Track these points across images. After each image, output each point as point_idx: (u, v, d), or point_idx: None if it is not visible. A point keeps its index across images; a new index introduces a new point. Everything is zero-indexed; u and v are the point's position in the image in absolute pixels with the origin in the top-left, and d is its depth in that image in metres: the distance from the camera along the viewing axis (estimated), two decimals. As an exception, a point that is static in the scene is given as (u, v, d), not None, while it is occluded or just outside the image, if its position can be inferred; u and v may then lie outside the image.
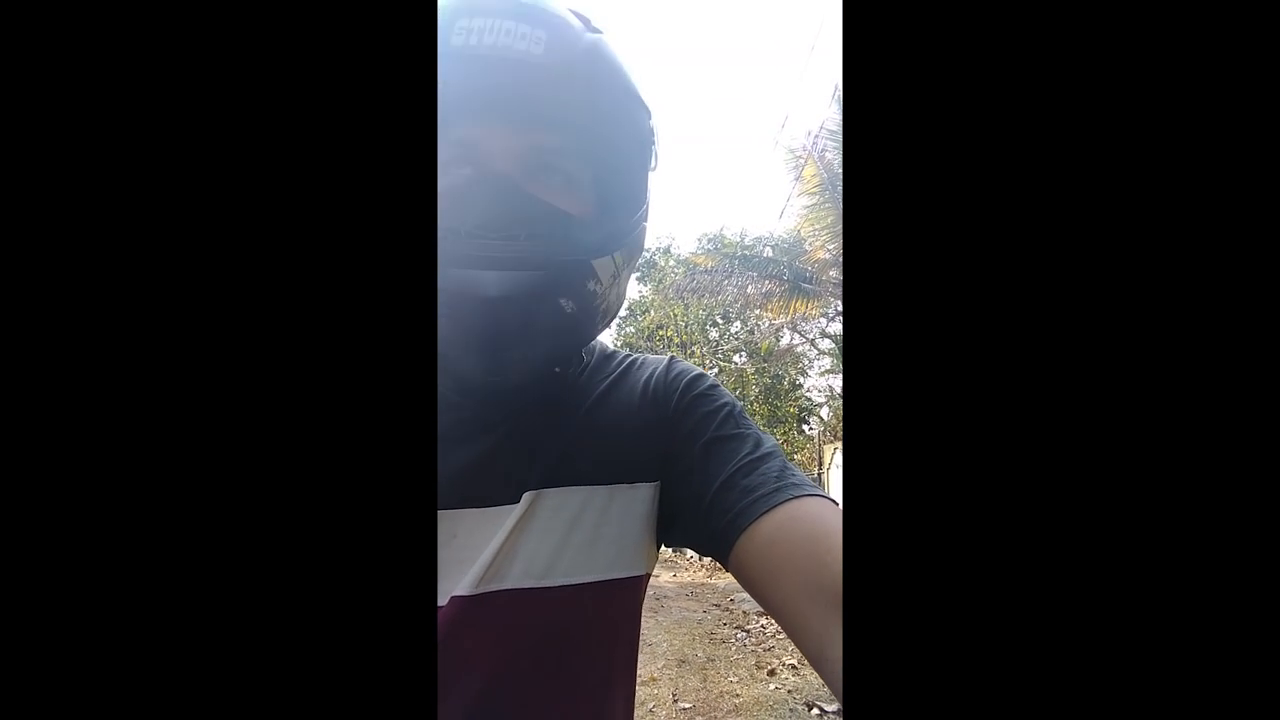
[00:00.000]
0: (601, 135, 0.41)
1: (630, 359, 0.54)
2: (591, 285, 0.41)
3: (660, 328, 12.18)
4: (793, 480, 0.43)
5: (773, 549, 0.39)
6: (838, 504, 0.41)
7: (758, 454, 0.45)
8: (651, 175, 0.47)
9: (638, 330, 12.86)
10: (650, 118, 0.44)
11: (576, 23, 0.39)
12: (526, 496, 0.42)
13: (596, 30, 0.40)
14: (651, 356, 0.54)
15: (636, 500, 0.46)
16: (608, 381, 0.50)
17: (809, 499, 0.41)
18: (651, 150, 0.45)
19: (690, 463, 0.46)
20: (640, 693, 3.47)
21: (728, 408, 0.49)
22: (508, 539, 0.41)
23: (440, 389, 0.44)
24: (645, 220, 0.46)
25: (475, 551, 0.41)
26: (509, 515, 0.42)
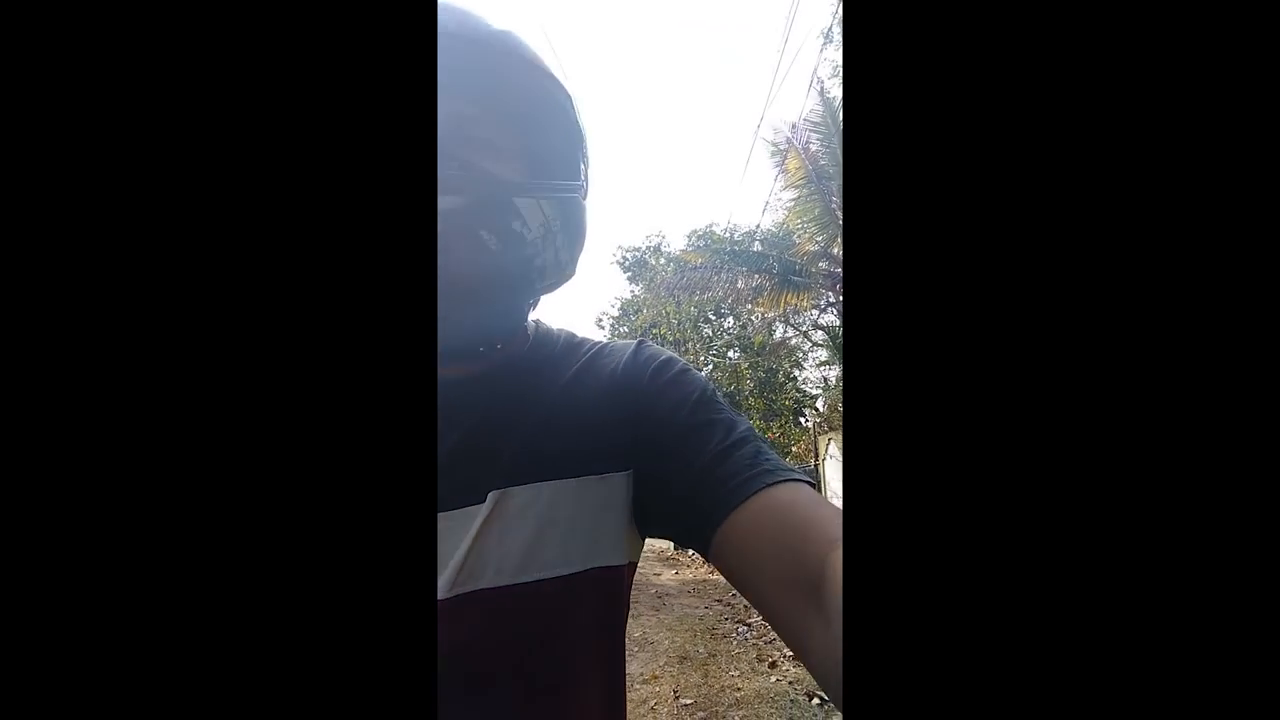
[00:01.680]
0: (522, 108, 0.43)
1: (598, 346, 0.53)
2: (517, 226, 0.41)
3: (654, 326, 12.16)
4: (765, 466, 0.42)
5: (748, 542, 0.40)
6: (812, 484, 0.42)
7: (730, 440, 0.44)
8: (594, 168, 0.48)
9: (631, 330, 12.84)
10: (573, 103, 0.45)
11: (483, 17, 0.41)
12: (492, 496, 0.43)
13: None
14: (620, 342, 0.53)
15: (608, 490, 0.45)
16: (574, 370, 0.50)
17: (781, 486, 0.41)
18: (581, 137, 0.46)
19: (662, 452, 0.45)
20: (642, 691, 3.47)
21: (698, 393, 0.48)
22: (476, 540, 0.42)
23: None
24: (583, 197, 0.46)
25: (445, 556, 0.41)
26: (474, 516, 0.42)
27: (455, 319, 0.42)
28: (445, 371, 0.45)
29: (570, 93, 0.46)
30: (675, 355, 0.51)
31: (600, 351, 0.52)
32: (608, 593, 0.46)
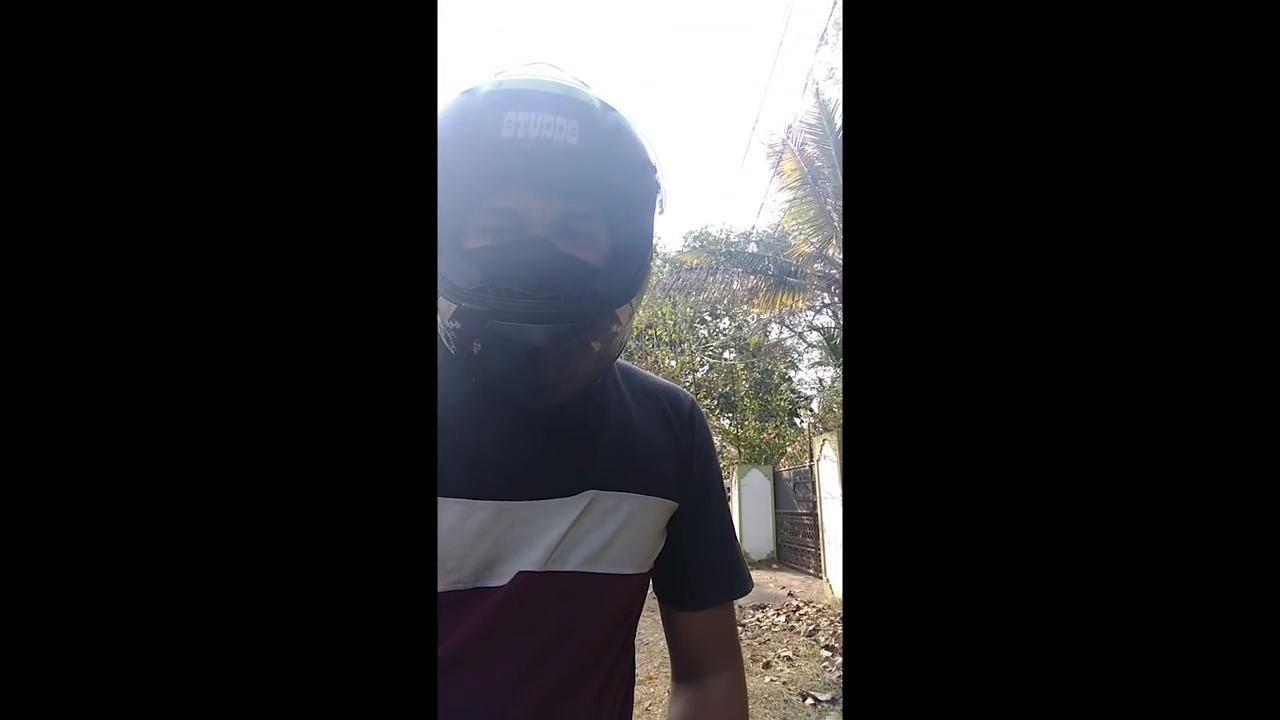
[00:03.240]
0: (618, 199, 0.50)
1: (650, 379, 0.65)
2: (615, 328, 0.50)
3: (650, 326, 12.16)
4: (730, 578, 0.62)
5: (690, 629, 0.61)
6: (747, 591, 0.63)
7: (722, 538, 0.63)
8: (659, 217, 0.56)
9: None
10: (657, 173, 0.52)
11: (599, 106, 0.47)
12: (588, 495, 0.53)
13: (613, 108, 0.49)
14: (673, 386, 0.66)
15: (662, 513, 0.58)
16: (639, 399, 0.61)
17: (734, 601, 0.63)
18: (658, 199, 0.53)
19: (688, 509, 0.60)
20: (636, 691, 3.48)
21: (721, 478, 0.65)
22: (571, 529, 0.51)
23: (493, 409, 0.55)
24: (651, 256, 0.55)
25: (531, 537, 0.51)
26: (567, 508, 0.52)
27: (562, 394, 0.50)
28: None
29: (659, 167, 0.52)
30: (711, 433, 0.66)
31: (659, 388, 0.64)
32: (642, 594, 0.58)
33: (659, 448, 0.58)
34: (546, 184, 0.47)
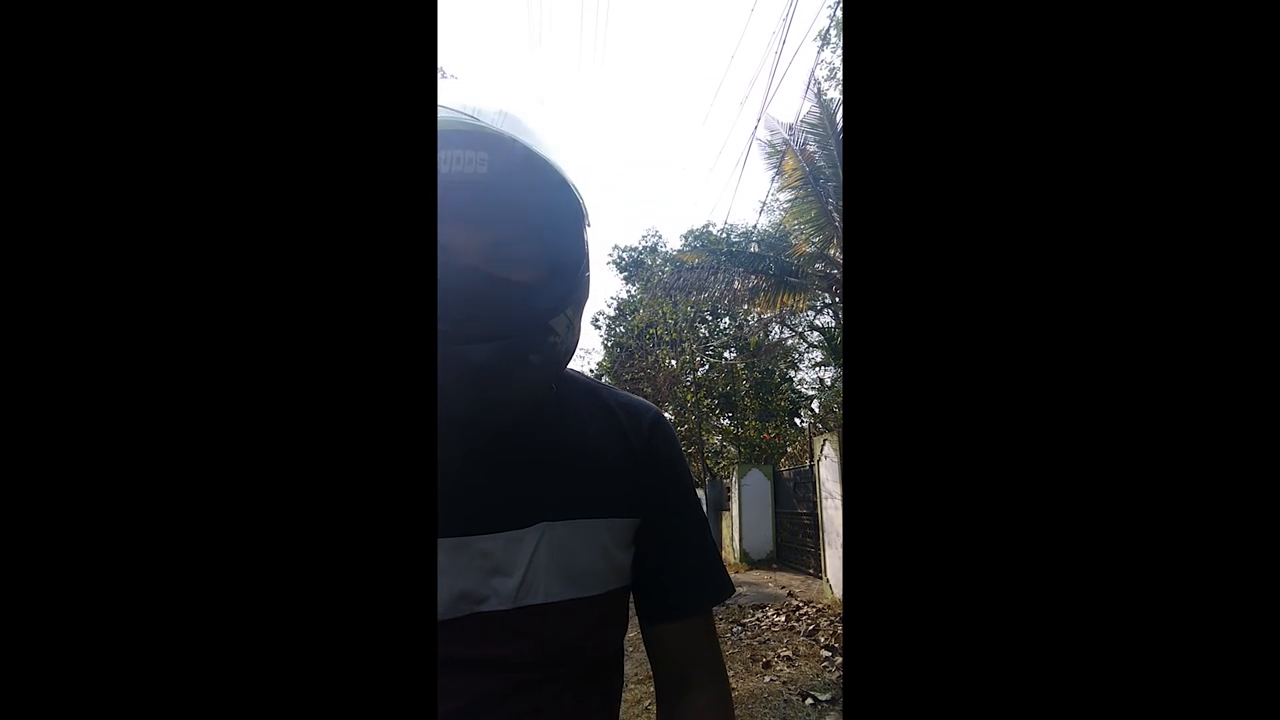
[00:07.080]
0: (540, 219, 0.52)
1: (613, 394, 0.65)
2: (551, 339, 0.52)
3: (650, 326, 12.17)
4: (711, 582, 0.62)
5: (666, 641, 0.61)
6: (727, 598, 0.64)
7: (698, 548, 0.63)
8: (589, 230, 0.57)
9: (628, 329, 12.85)
10: (575, 189, 0.54)
11: (507, 137, 0.49)
12: (540, 528, 0.54)
13: (519, 139, 0.50)
14: (637, 400, 0.66)
15: (623, 531, 0.59)
16: (598, 417, 0.62)
17: (705, 615, 0.62)
18: (582, 213, 0.55)
19: (655, 523, 0.61)
20: (637, 690, 3.48)
21: (693, 497, 0.65)
22: (530, 564, 0.53)
23: (442, 431, 0.52)
24: (588, 270, 0.57)
25: (495, 571, 0.53)
26: (523, 541, 0.53)
27: (507, 405, 0.52)
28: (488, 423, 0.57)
29: (575, 187, 0.54)
30: (679, 443, 0.67)
31: (619, 404, 0.64)
32: (619, 608, 0.60)
33: (611, 466, 0.60)
34: (468, 215, 0.49)
